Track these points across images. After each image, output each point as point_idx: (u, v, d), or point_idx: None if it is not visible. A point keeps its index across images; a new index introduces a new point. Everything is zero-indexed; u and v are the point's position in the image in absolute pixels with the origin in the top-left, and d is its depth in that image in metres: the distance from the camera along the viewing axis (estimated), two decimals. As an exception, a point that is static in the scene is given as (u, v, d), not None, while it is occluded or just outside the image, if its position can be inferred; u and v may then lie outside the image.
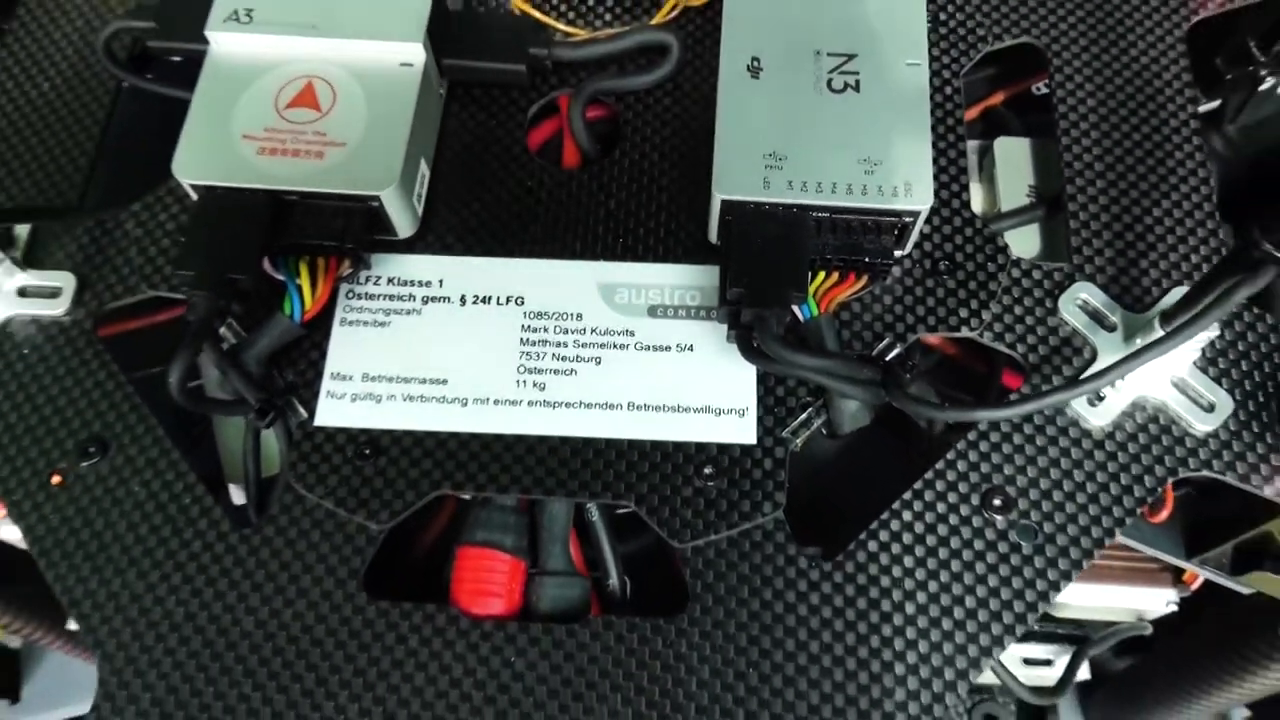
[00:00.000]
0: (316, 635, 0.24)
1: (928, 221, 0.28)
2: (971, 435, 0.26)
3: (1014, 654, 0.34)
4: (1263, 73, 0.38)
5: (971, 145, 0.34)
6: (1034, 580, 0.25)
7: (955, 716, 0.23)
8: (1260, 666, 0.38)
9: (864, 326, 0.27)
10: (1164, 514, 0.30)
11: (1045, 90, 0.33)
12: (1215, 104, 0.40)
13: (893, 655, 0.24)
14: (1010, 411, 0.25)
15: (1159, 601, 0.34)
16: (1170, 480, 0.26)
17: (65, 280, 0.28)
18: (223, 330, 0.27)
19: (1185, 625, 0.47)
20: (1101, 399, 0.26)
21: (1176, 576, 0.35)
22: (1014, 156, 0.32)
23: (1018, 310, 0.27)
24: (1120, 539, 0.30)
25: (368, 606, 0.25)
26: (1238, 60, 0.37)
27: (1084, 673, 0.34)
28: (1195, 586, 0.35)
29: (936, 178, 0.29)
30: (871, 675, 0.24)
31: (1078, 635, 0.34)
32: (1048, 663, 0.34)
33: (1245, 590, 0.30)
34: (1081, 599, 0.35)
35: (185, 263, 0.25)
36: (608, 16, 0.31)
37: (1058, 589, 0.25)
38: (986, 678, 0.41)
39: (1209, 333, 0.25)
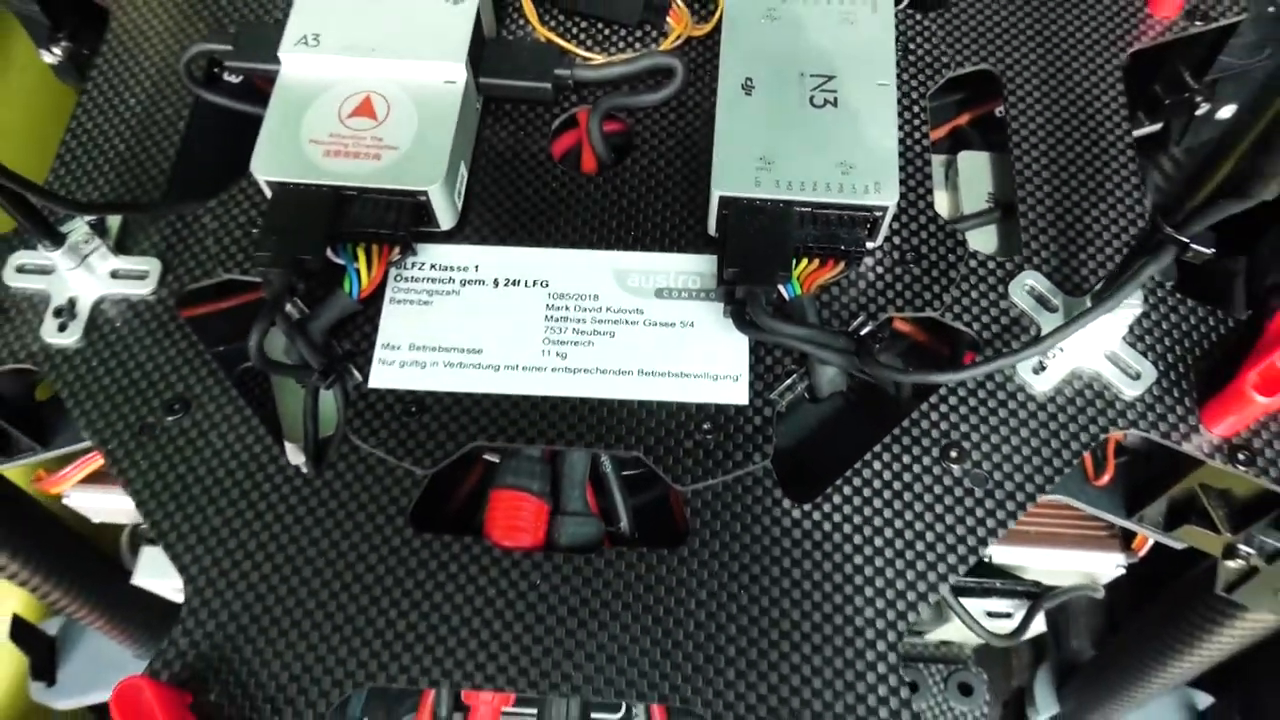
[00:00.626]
0: (370, 563, 0.28)
1: (898, 219, 0.33)
2: (934, 398, 0.30)
3: (980, 608, 0.38)
4: (1198, 99, 0.43)
5: (940, 159, 0.38)
6: (984, 519, 0.29)
7: (915, 631, 0.27)
8: (1204, 631, 0.42)
9: (841, 306, 0.31)
10: (1106, 478, 0.34)
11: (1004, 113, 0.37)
12: (1158, 127, 0.45)
13: (863, 580, 0.28)
14: (964, 374, 0.29)
15: (1109, 565, 0.38)
16: (1101, 436, 0.30)
17: (152, 265, 0.32)
18: (289, 307, 0.31)
19: (1145, 607, 0.51)
20: (1044, 369, 0.30)
21: (1126, 543, 0.39)
22: (975, 168, 0.37)
23: (974, 294, 0.32)
24: (1069, 501, 0.35)
25: (414, 539, 0.29)
26: (1175, 88, 0.41)
27: (1039, 625, 0.38)
28: (1143, 552, 0.39)
29: (905, 183, 0.33)
30: (844, 596, 0.28)
31: (1035, 591, 0.38)
32: (1008, 615, 0.38)
33: (1178, 545, 0.34)
34: (1039, 562, 0.39)
35: (263, 246, 0.30)
36: (621, 44, 0.36)
37: (1005, 526, 0.29)
38: (958, 633, 0.45)
39: (1133, 310, 0.29)
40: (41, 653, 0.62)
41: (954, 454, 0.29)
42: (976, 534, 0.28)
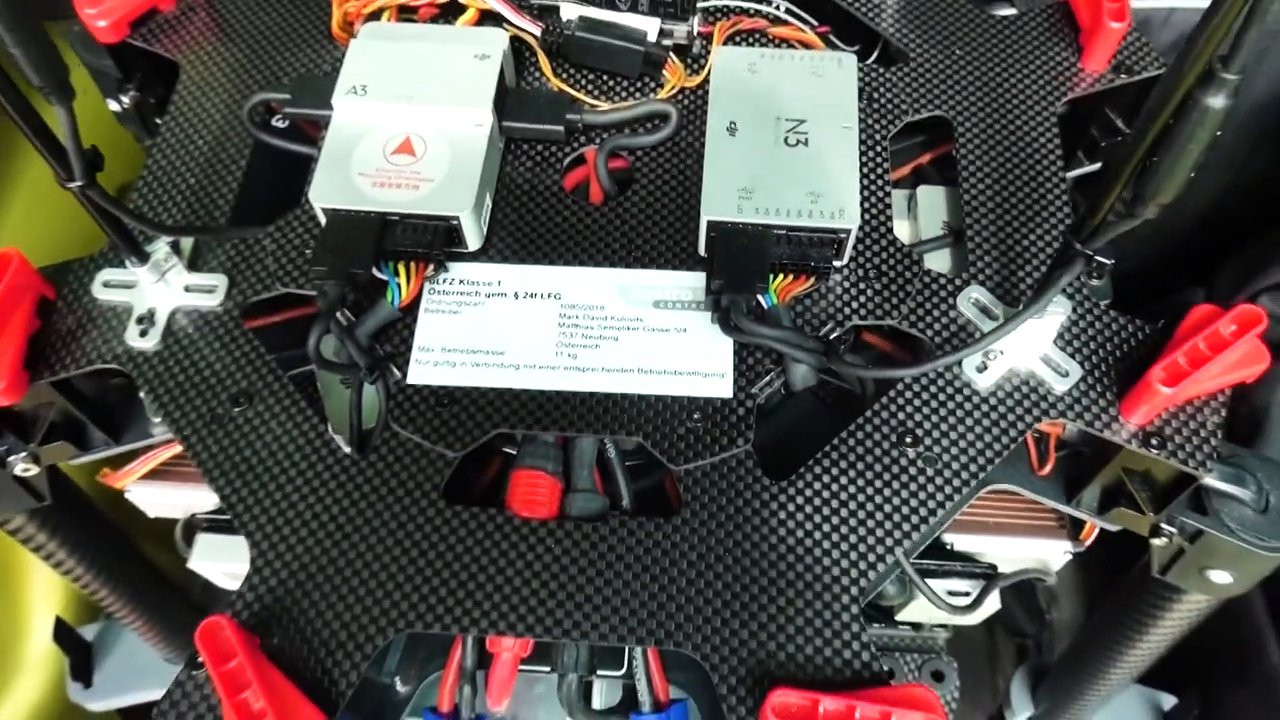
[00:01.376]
0: (408, 530, 0.33)
1: (862, 242, 0.38)
2: (892, 393, 0.35)
3: (942, 587, 0.42)
4: (1131, 142, 0.49)
5: (903, 193, 0.44)
6: (934, 494, 0.33)
7: (886, 606, 0.32)
8: (1150, 617, 0.46)
9: (812, 315, 0.36)
10: (1048, 468, 0.39)
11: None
12: (1098, 166, 0.51)
13: (830, 544, 0.33)
14: (916, 369, 0.34)
15: (1058, 552, 0.43)
16: (1035, 424, 0.35)
17: (220, 280, 0.38)
18: (340, 315, 0.36)
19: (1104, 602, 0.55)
20: (986, 368, 0.35)
21: (1074, 533, 0.44)
22: (933, 200, 0.42)
23: (927, 305, 0.37)
24: (1018, 490, 0.39)
25: (446, 510, 0.33)
26: (1108, 132, 0.47)
27: (994, 602, 0.42)
28: (1089, 542, 0.44)
29: (868, 211, 0.39)
30: (814, 558, 0.32)
31: (990, 574, 0.43)
32: (967, 594, 0.42)
33: (1112, 527, 0.39)
34: (995, 550, 0.43)
35: (319, 261, 0.35)
36: (623, 93, 0.42)
37: (951, 500, 0.33)
38: (926, 613, 0.49)
39: (1059, 317, 0.34)
40: (80, 655, 0.66)
41: (909, 439, 0.34)
42: (927, 505, 0.33)
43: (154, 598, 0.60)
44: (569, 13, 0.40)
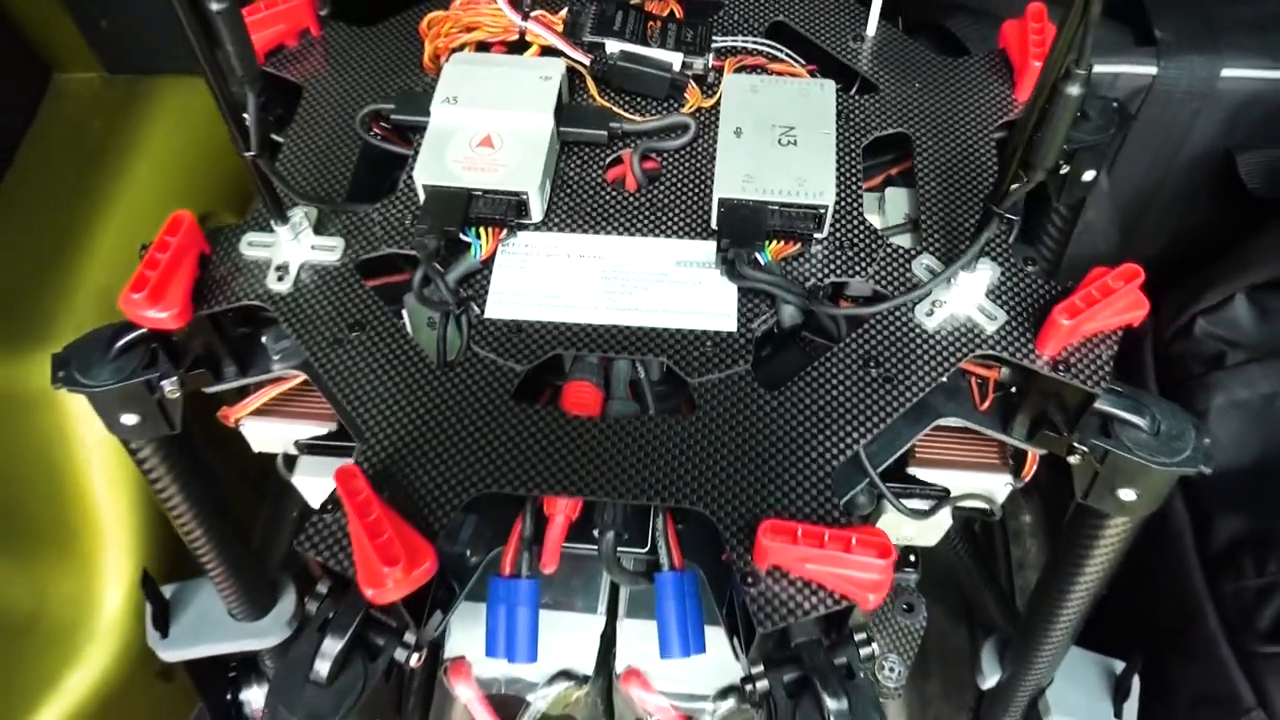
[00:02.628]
0: (486, 420, 0.43)
1: (839, 223, 0.49)
2: (860, 330, 0.45)
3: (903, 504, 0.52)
4: (1061, 163, 0.60)
5: (875, 195, 0.55)
6: (890, 403, 0.43)
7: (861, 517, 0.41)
8: (1081, 549, 0.55)
9: (799, 272, 0.47)
10: (988, 404, 0.49)
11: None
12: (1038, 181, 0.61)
13: (809, 435, 0.42)
14: (879, 307, 0.45)
15: (1000, 484, 0.52)
16: (970, 354, 0.45)
17: (338, 242, 0.48)
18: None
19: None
20: (933, 314, 0.46)
21: (1016, 470, 0.53)
22: (898, 198, 0.53)
23: (889, 267, 0.47)
24: (965, 423, 0.49)
25: (515, 408, 0.43)
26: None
27: (945, 517, 0.52)
28: (1028, 477, 0.53)
29: (844, 201, 0.49)
30: (797, 445, 0.42)
31: (944, 495, 0.52)
32: (924, 509, 0.52)
33: (1040, 450, 0.48)
34: (948, 481, 0.53)
35: (423, 221, 0.46)
36: (653, 110, 0.53)
37: (903, 408, 0.43)
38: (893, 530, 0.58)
39: (987, 273, 0.45)
40: (160, 606, 0.75)
41: (872, 364, 0.44)
42: (884, 411, 0.43)
43: (235, 549, 0.69)
44: (612, 48, 0.52)
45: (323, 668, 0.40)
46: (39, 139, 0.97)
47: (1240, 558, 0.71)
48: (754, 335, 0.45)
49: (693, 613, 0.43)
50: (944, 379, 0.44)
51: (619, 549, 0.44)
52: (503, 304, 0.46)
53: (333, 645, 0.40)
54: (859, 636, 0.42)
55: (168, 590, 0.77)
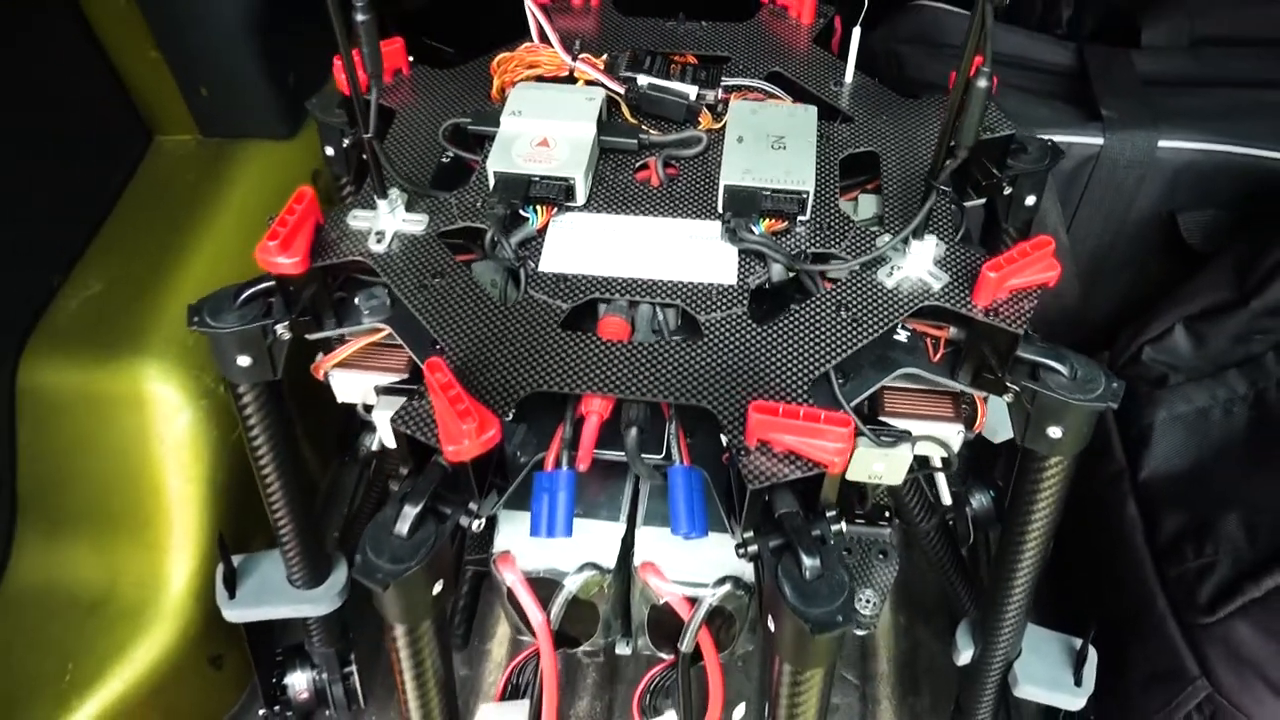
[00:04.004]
0: (538, 343, 0.55)
1: (819, 214, 0.61)
2: (835, 285, 0.57)
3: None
4: (1004, 186, 0.73)
5: (850, 201, 0.67)
6: (856, 335, 0.55)
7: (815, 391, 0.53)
8: (1028, 496, 0.65)
9: (785, 243, 0.59)
10: (939, 356, 0.61)
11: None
12: (983, 201, 0.74)
13: (790, 358, 0.54)
14: (847, 265, 0.57)
15: (953, 432, 0.63)
16: (919, 306, 0.57)
17: (423, 218, 0.61)
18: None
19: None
20: (891, 275, 0.58)
21: (969, 423, 0.64)
22: (868, 202, 0.66)
23: (857, 241, 0.60)
24: (920, 373, 0.60)
25: (562, 333, 0.55)
26: (985, 175, 0.71)
27: (907, 453, 0.62)
28: (978, 428, 0.64)
29: (822, 199, 0.62)
30: (783, 363, 0.54)
31: (905, 435, 0.63)
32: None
33: (982, 394, 0.60)
34: (908, 426, 0.63)
35: (494, 195, 0.59)
36: (673, 129, 0.67)
37: (868, 338, 0.55)
38: (863, 470, 0.68)
39: (931, 244, 0.57)
40: (230, 568, 0.85)
41: (843, 309, 0.56)
42: (850, 342, 0.55)
43: (303, 512, 0.80)
44: (642, 81, 0.66)
45: (403, 527, 0.51)
46: (138, 188, 1.13)
47: (1183, 546, 0.81)
48: (749, 287, 0.57)
49: (698, 500, 0.54)
50: (899, 321, 0.56)
51: (640, 453, 0.55)
52: (553, 260, 0.59)
53: (411, 509, 0.51)
54: (830, 514, 0.52)
55: (235, 561, 0.87)
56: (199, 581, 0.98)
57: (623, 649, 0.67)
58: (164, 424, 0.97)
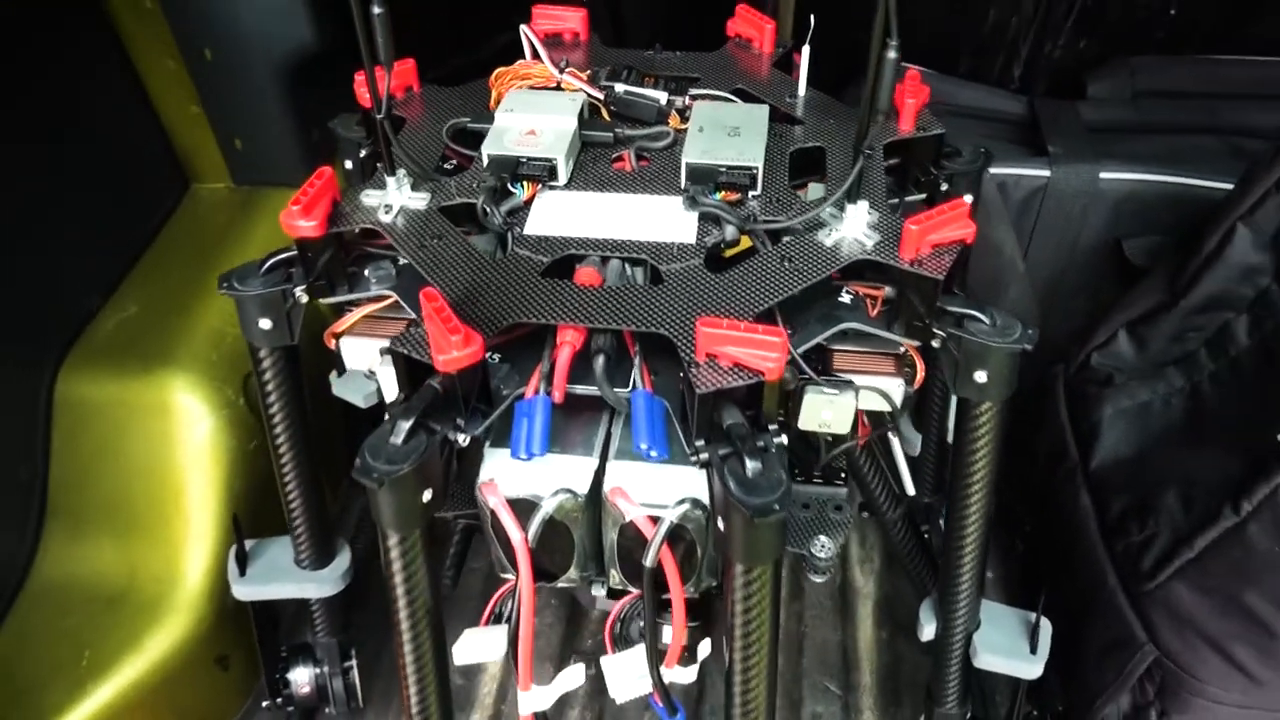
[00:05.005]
0: (518, 288, 0.63)
1: (769, 187, 0.70)
2: (781, 242, 0.66)
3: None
4: (940, 182, 0.82)
5: (801, 190, 0.76)
6: (797, 280, 0.63)
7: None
8: (966, 445, 0.72)
9: (740, 212, 0.68)
10: (876, 311, 0.68)
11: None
12: (924, 197, 0.83)
13: (740, 295, 0.62)
14: (794, 220, 0.65)
15: (895, 386, 0.70)
16: (853, 259, 0.65)
17: (425, 195, 0.71)
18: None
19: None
20: (830, 235, 0.66)
21: (910, 378, 0.71)
22: (816, 188, 0.75)
23: (802, 211, 0.68)
24: (862, 327, 0.68)
25: (542, 280, 0.64)
26: (923, 172, 0.80)
27: (850, 400, 0.69)
28: (918, 383, 0.71)
29: (773, 182, 0.71)
30: (732, 300, 0.62)
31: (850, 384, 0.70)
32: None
33: (915, 342, 0.67)
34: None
35: (488, 170, 0.68)
36: (643, 127, 0.77)
37: (805, 282, 0.63)
38: (813, 419, 0.75)
39: (864, 209, 0.66)
40: (242, 548, 0.91)
41: (787, 261, 0.65)
42: (795, 283, 0.63)
43: (313, 489, 0.87)
44: (619, 88, 0.76)
45: (397, 437, 0.58)
46: (174, 228, 1.24)
47: (1128, 523, 0.87)
48: (706, 245, 0.66)
49: (658, 421, 0.61)
50: (835, 269, 0.64)
51: (609, 384, 0.63)
52: (536, 226, 0.68)
53: (405, 422, 0.58)
54: (772, 428, 0.59)
55: (248, 545, 0.94)
56: (211, 580, 1.04)
57: (598, 591, 0.73)
58: (187, 431, 1.05)
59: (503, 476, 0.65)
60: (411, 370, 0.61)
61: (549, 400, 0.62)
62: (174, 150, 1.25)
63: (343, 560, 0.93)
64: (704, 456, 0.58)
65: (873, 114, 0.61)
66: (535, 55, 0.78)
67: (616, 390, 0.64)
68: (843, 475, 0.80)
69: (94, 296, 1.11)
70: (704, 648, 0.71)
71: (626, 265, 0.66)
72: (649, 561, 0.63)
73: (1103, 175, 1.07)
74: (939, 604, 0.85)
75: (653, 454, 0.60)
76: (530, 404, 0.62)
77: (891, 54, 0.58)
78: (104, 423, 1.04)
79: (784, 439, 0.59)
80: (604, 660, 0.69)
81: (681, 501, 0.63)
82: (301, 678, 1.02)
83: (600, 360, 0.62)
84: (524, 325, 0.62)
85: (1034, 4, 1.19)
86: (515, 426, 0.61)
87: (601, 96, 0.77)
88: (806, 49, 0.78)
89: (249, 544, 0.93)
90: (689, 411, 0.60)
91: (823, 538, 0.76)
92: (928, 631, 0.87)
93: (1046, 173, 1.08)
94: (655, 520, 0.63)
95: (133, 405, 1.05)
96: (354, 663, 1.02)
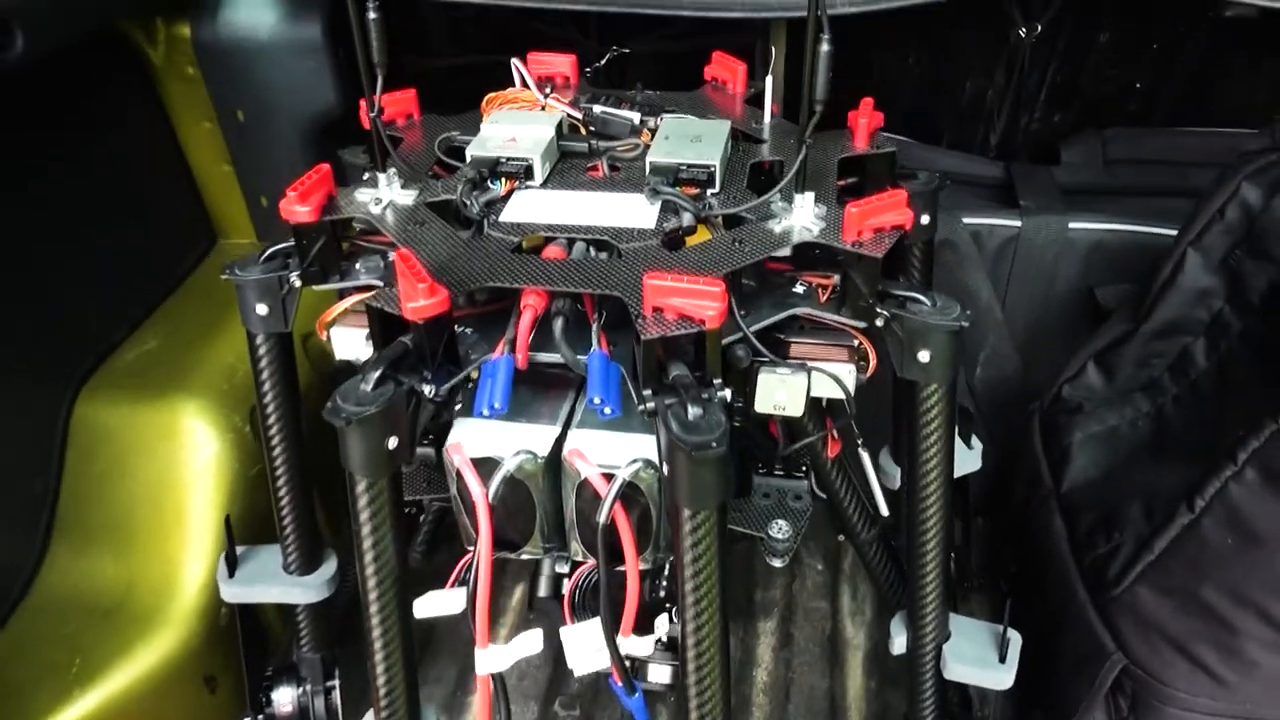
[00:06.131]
0: (492, 260, 0.69)
1: (727, 186, 0.76)
2: (734, 228, 0.71)
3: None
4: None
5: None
6: (747, 255, 0.68)
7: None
8: (919, 428, 0.74)
9: (697, 204, 0.74)
10: (825, 297, 0.73)
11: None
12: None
13: (690, 269, 0.67)
14: (745, 208, 0.71)
15: (846, 371, 0.74)
16: (801, 241, 0.70)
17: (413, 193, 0.77)
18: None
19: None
20: (781, 224, 0.72)
21: (861, 366, 0.75)
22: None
23: (757, 206, 0.74)
24: (813, 313, 0.72)
25: (511, 254, 0.69)
26: (880, 189, 0.86)
27: (803, 382, 0.73)
28: (870, 371, 0.75)
29: (730, 179, 0.77)
30: (688, 273, 0.67)
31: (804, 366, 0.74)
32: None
33: (860, 323, 0.71)
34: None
35: (470, 167, 0.75)
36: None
37: (756, 257, 0.68)
38: (768, 400, 0.78)
39: (810, 201, 0.71)
40: (232, 550, 0.94)
41: (737, 242, 0.70)
42: (744, 258, 0.68)
43: (302, 492, 0.90)
44: (596, 109, 0.84)
45: (366, 384, 0.63)
46: (200, 277, 1.33)
47: (1095, 537, 0.88)
48: (664, 230, 0.71)
49: (614, 380, 0.65)
50: (786, 260, 0.70)
51: (568, 347, 0.67)
52: (512, 215, 0.74)
53: (374, 371, 0.63)
54: (716, 382, 0.63)
55: (239, 551, 0.97)
56: (205, 597, 1.07)
57: (561, 568, 0.75)
58: (193, 454, 1.10)
59: (468, 439, 0.69)
60: (385, 331, 0.66)
61: (511, 360, 0.66)
62: (204, 206, 1.34)
63: (329, 568, 0.96)
64: (650, 405, 0.62)
65: (810, 104, 0.67)
66: (524, 83, 0.86)
67: (578, 357, 0.68)
68: (804, 468, 0.83)
69: (118, 331, 1.18)
70: (661, 622, 0.73)
71: (591, 249, 0.72)
72: (602, 518, 0.66)
73: (1072, 225, 1.12)
74: (908, 615, 0.86)
75: (606, 410, 0.64)
76: (494, 364, 0.66)
77: (825, 46, 0.65)
78: (116, 443, 1.10)
79: (726, 393, 0.63)
80: (562, 631, 0.71)
81: (634, 461, 0.66)
82: (284, 697, 1.03)
83: (560, 322, 0.67)
84: (493, 298, 0.67)
85: (1006, 77, 1.27)
86: (479, 386, 0.66)
87: (580, 115, 0.84)
88: (770, 79, 0.86)
89: (240, 550, 0.96)
90: (637, 365, 0.64)
91: (781, 521, 0.78)
92: (898, 644, 0.88)
93: (1018, 223, 1.13)
94: (609, 478, 0.66)
95: (144, 427, 1.11)
96: (336, 683, 1.03)
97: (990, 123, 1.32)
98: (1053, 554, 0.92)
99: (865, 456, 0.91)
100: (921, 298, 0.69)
